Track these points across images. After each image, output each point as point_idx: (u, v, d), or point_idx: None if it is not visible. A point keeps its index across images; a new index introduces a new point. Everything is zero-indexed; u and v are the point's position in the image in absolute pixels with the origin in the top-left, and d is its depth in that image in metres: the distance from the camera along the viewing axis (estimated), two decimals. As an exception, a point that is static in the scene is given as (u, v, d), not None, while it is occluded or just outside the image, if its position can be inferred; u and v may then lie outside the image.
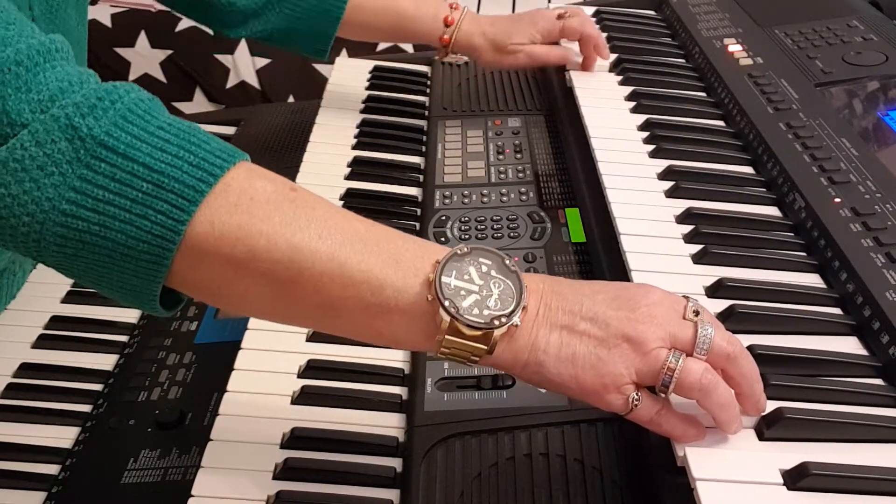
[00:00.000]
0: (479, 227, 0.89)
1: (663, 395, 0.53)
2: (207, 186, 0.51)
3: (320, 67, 1.80)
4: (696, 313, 0.54)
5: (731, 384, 0.54)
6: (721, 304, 0.66)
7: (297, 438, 0.67)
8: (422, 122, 1.11)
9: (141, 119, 0.51)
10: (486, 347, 0.52)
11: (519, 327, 0.52)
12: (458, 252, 0.54)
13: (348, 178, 0.99)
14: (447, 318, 0.51)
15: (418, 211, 0.94)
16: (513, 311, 0.52)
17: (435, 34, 1.06)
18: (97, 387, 0.80)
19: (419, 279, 0.52)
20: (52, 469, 0.72)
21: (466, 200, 0.94)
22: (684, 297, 0.55)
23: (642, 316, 0.52)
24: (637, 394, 0.52)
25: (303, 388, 0.71)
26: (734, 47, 1.04)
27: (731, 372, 0.54)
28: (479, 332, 0.51)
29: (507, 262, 0.54)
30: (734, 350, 0.53)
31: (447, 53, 1.07)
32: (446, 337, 0.52)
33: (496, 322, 0.51)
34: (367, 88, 1.19)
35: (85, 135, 0.49)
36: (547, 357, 0.52)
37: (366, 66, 1.25)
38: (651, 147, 0.89)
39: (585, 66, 1.07)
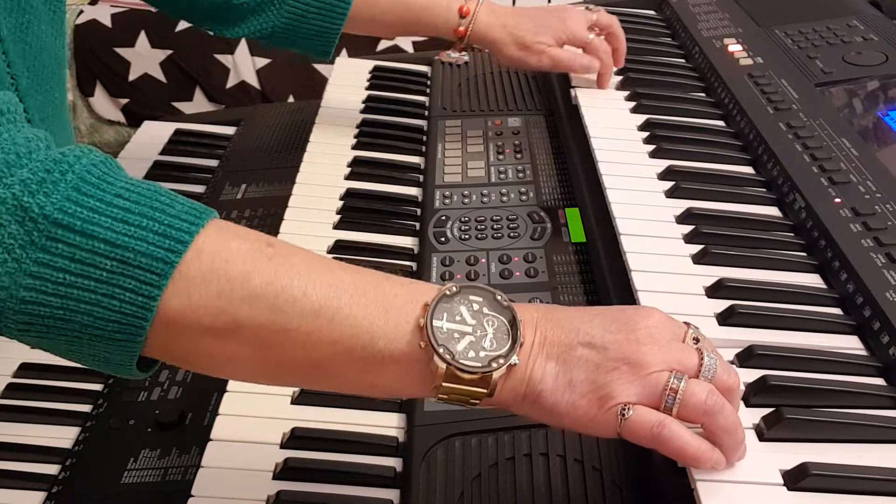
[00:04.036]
0: (479, 227, 0.89)
1: None
2: (177, 256, 0.46)
3: (320, 67, 1.81)
4: (696, 340, 0.52)
5: None
6: (721, 304, 0.66)
7: (297, 438, 0.67)
8: (422, 122, 1.11)
9: (96, 189, 0.46)
10: (485, 391, 0.49)
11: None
12: (448, 292, 0.51)
13: (348, 178, 0.99)
14: (442, 364, 0.48)
15: (418, 211, 0.94)
16: (510, 351, 0.49)
17: (449, 26, 0.98)
18: (97, 387, 0.80)
19: (410, 326, 0.49)
20: (52, 469, 0.72)
21: (466, 200, 0.94)
22: (685, 322, 0.53)
23: (642, 337, 0.50)
24: (628, 407, 0.49)
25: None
26: (734, 47, 1.04)
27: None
28: (476, 376, 0.49)
29: (499, 297, 0.52)
30: (734, 382, 0.52)
31: (464, 47, 1.00)
32: (443, 384, 0.49)
33: (493, 364, 0.49)
34: (367, 88, 1.19)
35: (37, 215, 0.44)
36: (544, 387, 0.50)
37: (366, 66, 1.25)
38: (651, 147, 0.89)
39: (600, 83, 1.02)
